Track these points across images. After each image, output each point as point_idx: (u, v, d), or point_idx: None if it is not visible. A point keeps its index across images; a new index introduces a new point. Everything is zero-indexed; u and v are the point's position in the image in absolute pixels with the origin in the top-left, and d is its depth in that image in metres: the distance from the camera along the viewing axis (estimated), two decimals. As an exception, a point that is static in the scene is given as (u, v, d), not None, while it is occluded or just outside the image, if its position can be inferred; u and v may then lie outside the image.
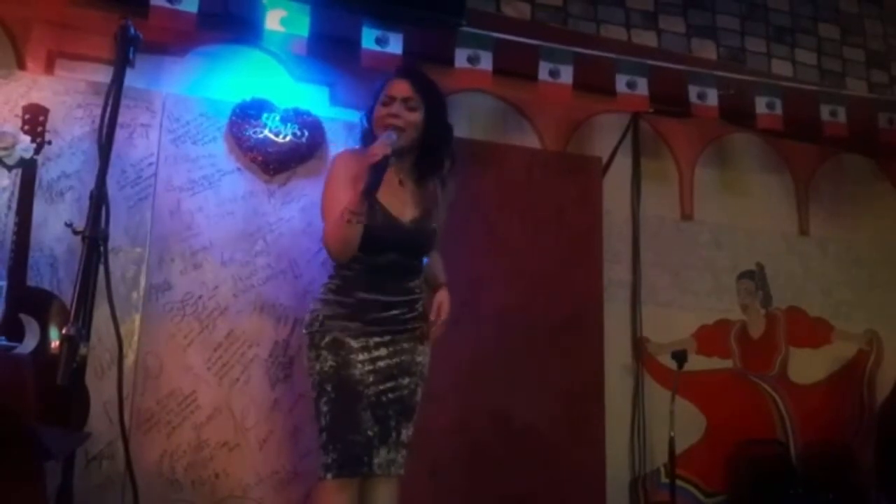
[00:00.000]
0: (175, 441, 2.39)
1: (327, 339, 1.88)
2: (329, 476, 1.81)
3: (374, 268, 1.91)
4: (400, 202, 1.94)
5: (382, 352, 1.89)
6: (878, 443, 3.13)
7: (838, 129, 3.08)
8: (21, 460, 1.64)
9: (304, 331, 1.95)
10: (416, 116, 1.96)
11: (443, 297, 2.02)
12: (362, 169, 1.84)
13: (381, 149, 1.82)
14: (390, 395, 1.90)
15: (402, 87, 1.97)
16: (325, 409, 1.85)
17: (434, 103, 2.00)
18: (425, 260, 2.05)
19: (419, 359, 1.96)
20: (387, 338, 1.90)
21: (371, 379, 1.87)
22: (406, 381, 1.93)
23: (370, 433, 1.84)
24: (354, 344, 1.87)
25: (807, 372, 3.27)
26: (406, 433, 1.92)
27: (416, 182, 1.99)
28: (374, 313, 1.90)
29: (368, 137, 2.00)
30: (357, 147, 2.06)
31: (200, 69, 2.65)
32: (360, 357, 1.87)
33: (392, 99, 1.96)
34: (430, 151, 1.99)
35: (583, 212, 2.99)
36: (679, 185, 3.25)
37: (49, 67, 2.48)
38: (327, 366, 1.86)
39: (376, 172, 1.80)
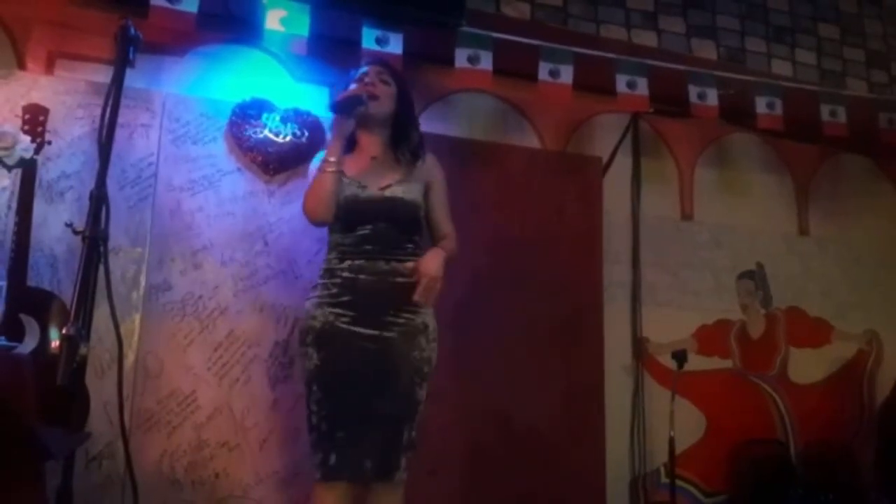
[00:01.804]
0: (175, 441, 2.39)
1: (311, 336, 1.87)
2: (320, 476, 1.80)
3: (354, 244, 1.89)
4: (372, 174, 1.95)
5: (370, 345, 1.84)
6: (879, 443, 3.13)
7: (838, 130, 3.09)
8: (21, 460, 1.64)
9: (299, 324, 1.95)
10: (391, 90, 2.01)
11: (426, 255, 1.89)
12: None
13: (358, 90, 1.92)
14: (385, 394, 1.84)
15: (373, 67, 2.05)
16: (313, 408, 1.84)
17: (402, 83, 2.07)
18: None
19: (415, 353, 1.88)
20: (375, 332, 1.85)
21: (359, 378, 1.83)
22: (401, 379, 1.86)
23: (360, 435, 1.80)
24: (344, 342, 1.84)
25: (807, 372, 3.27)
26: (408, 435, 1.86)
27: (390, 157, 2.00)
28: (359, 295, 1.86)
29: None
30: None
31: (200, 69, 2.65)
32: (347, 354, 1.83)
33: (365, 74, 2.02)
34: (402, 127, 2.02)
35: (583, 212, 2.99)
36: (679, 185, 3.25)
37: (49, 67, 2.48)
38: (312, 364, 1.86)
39: (349, 102, 1.89)
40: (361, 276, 1.88)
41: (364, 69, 2.04)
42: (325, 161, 1.88)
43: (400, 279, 1.88)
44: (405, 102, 2.05)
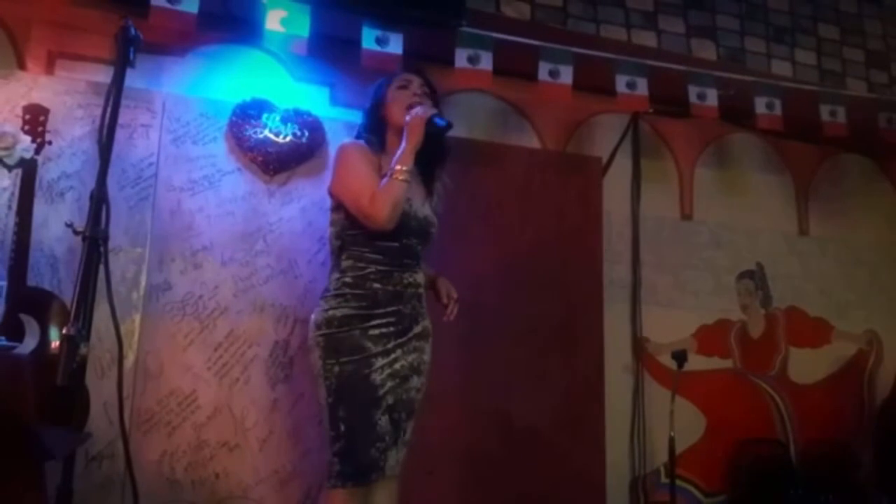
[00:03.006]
0: (175, 441, 2.39)
1: (346, 344, 1.84)
2: (350, 485, 1.78)
3: (392, 255, 1.90)
4: (412, 188, 1.94)
5: (399, 353, 1.88)
6: (878, 443, 3.14)
7: (838, 130, 3.09)
8: (21, 460, 1.64)
9: (316, 331, 1.88)
10: (431, 104, 2.01)
11: (444, 280, 2.11)
12: (372, 157, 1.93)
13: (424, 111, 1.91)
14: (404, 397, 1.89)
15: (415, 78, 2.06)
16: (342, 414, 1.81)
17: (437, 99, 2.08)
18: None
19: (426, 357, 1.96)
20: (402, 339, 1.89)
21: (389, 384, 1.85)
22: (416, 381, 1.92)
23: (386, 438, 1.84)
24: (374, 349, 1.85)
25: (807, 372, 3.27)
26: (410, 432, 1.92)
27: (416, 171, 1.99)
28: (390, 305, 1.88)
29: (376, 128, 2.03)
30: (358, 140, 2.05)
31: (201, 69, 2.65)
32: (380, 362, 1.85)
33: (409, 82, 2.03)
34: (433, 143, 2.00)
35: (583, 212, 2.99)
36: (679, 185, 3.25)
37: (49, 67, 2.48)
38: (347, 372, 1.83)
39: (429, 126, 1.90)
40: (397, 288, 1.91)
41: (407, 76, 2.04)
42: (398, 170, 1.85)
43: (419, 290, 1.97)
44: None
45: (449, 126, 1.96)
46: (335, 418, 1.81)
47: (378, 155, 1.98)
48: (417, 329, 1.94)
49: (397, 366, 1.88)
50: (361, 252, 1.90)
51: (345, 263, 1.92)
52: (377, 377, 1.84)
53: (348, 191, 1.91)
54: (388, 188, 1.84)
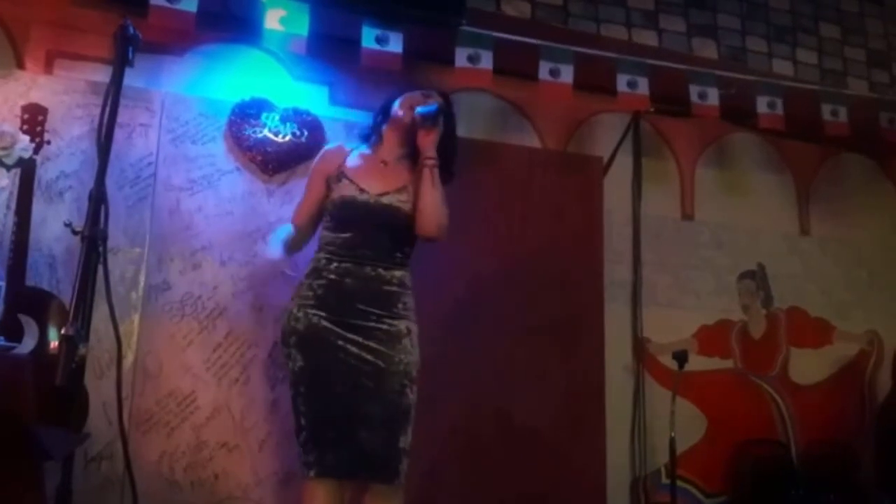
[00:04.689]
0: (174, 442, 2.38)
1: (294, 338, 1.89)
2: (311, 473, 1.82)
3: (345, 246, 1.92)
4: (374, 179, 1.96)
5: (353, 349, 1.86)
6: (879, 442, 3.13)
7: (839, 129, 3.09)
8: (20, 461, 1.64)
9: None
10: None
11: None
12: (332, 162, 2.01)
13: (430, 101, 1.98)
14: (372, 396, 1.85)
15: (433, 97, 2.05)
16: (302, 408, 1.86)
17: (450, 128, 2.06)
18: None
19: (400, 357, 1.89)
20: (358, 337, 1.87)
21: (344, 379, 1.85)
22: (387, 383, 1.87)
23: (349, 434, 1.82)
24: (324, 342, 1.86)
25: (808, 372, 3.27)
26: (404, 440, 1.86)
27: (402, 165, 2.02)
28: (344, 299, 1.88)
29: (377, 122, 2.08)
30: (340, 143, 2.14)
31: (200, 68, 2.64)
32: (331, 357, 1.85)
33: (428, 97, 2.04)
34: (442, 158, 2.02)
35: (583, 212, 2.98)
36: (680, 184, 3.24)
37: (48, 67, 2.48)
38: (297, 366, 1.88)
39: (432, 114, 1.93)
40: (347, 280, 1.90)
41: (428, 92, 2.06)
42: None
43: (385, 287, 1.92)
44: (448, 143, 2.04)
45: (438, 111, 1.95)
46: (296, 410, 1.88)
47: (346, 152, 2.05)
48: (380, 326, 1.88)
49: (353, 362, 1.85)
50: (324, 243, 1.98)
51: (314, 255, 2.00)
52: (329, 372, 1.85)
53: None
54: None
